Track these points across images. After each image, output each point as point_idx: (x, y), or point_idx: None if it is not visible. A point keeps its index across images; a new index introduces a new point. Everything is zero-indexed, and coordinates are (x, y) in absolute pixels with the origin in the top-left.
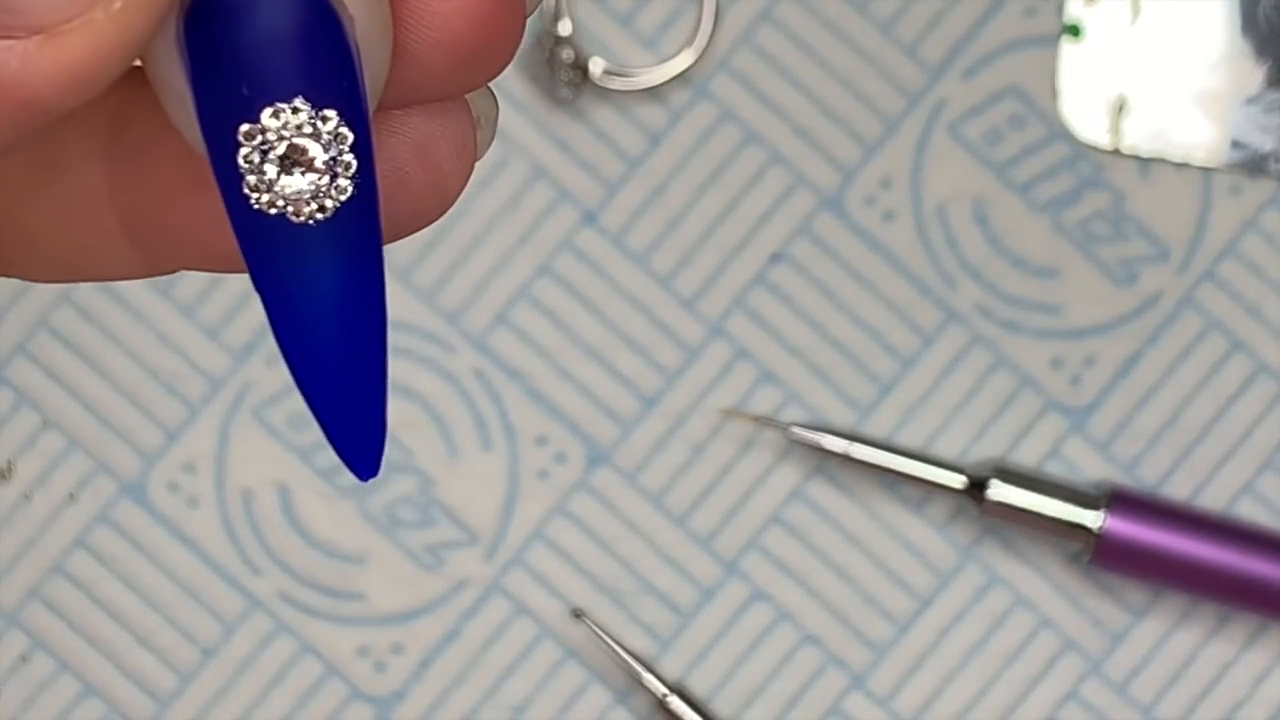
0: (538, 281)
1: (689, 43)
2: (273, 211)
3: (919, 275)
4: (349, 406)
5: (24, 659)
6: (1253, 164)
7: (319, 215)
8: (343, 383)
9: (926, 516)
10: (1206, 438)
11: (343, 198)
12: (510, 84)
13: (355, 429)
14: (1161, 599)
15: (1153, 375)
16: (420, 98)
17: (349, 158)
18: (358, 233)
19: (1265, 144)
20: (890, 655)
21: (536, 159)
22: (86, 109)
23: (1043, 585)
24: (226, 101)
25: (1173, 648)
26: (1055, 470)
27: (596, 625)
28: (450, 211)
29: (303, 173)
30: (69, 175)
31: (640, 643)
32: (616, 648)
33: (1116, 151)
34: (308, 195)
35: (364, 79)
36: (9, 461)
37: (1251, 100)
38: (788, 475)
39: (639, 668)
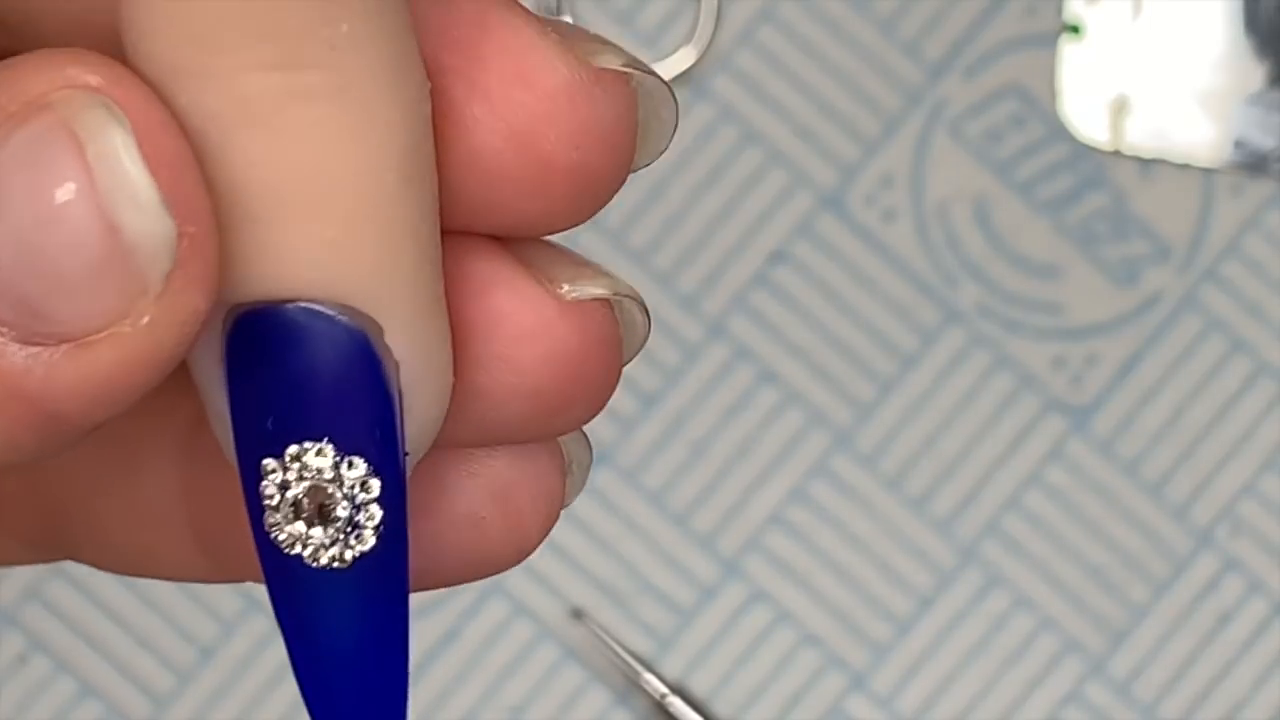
0: None
1: (690, 42)
2: (292, 551)
3: (919, 275)
4: None
5: (22, 659)
6: (1254, 163)
7: (337, 564)
8: None
9: (927, 516)
10: (1208, 437)
11: (364, 549)
12: None
13: None
14: (1164, 598)
15: (1154, 375)
16: (501, 440)
17: (374, 508)
18: (380, 584)
19: (1267, 143)
20: (891, 656)
21: None
22: (165, 408)
23: (1044, 585)
24: (255, 430)
25: (1174, 648)
26: (1056, 469)
27: (596, 625)
28: None
29: (321, 519)
30: (143, 473)
31: (640, 643)
32: (616, 648)
33: (1117, 151)
34: (325, 543)
35: (404, 428)
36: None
37: (1253, 99)
38: (788, 475)
39: (639, 668)
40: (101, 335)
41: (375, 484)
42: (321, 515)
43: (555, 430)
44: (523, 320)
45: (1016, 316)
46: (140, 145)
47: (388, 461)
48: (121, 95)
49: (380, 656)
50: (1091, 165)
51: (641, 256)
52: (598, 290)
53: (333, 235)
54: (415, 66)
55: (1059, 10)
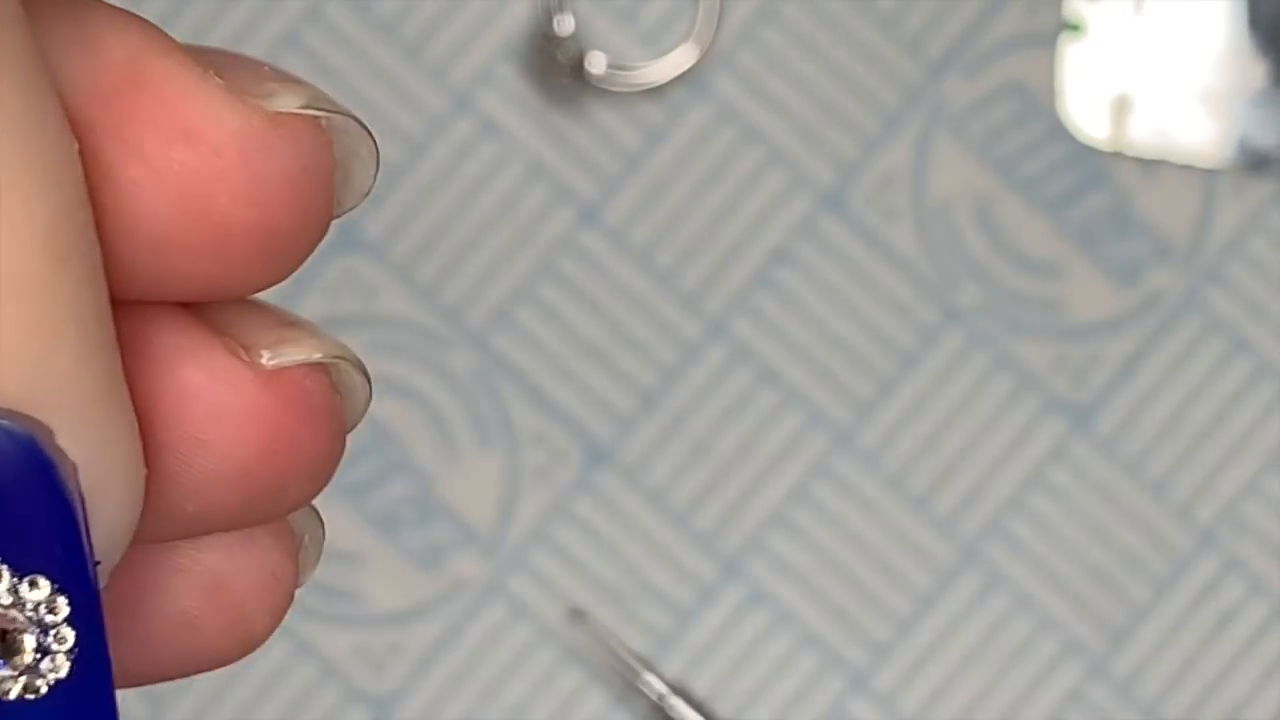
0: (537, 280)
1: (690, 41)
2: None
3: (920, 274)
4: None
5: None
6: (1257, 163)
7: (30, 696)
8: None
9: (927, 516)
10: (1209, 437)
11: (58, 676)
12: (509, 81)
13: None
14: (1165, 598)
15: (1155, 375)
16: (209, 530)
17: (66, 630)
18: (82, 711)
19: (1269, 142)
20: (891, 656)
21: (535, 157)
22: None
23: (1045, 585)
24: None
25: (1176, 648)
26: (1057, 469)
27: (596, 625)
28: (450, 210)
29: (5, 650)
30: None
31: (640, 643)
32: (616, 648)
33: (1119, 150)
34: (13, 674)
35: (90, 537)
36: None
37: (1256, 98)
38: (788, 475)
39: (639, 668)
40: None
41: (63, 603)
42: (5, 645)
43: (270, 515)
44: (217, 397)
45: (1017, 316)
46: None
47: (75, 577)
48: None
49: None
50: (1093, 164)
51: (641, 256)
52: (304, 355)
53: None
54: (57, 125)
55: (1060, 8)
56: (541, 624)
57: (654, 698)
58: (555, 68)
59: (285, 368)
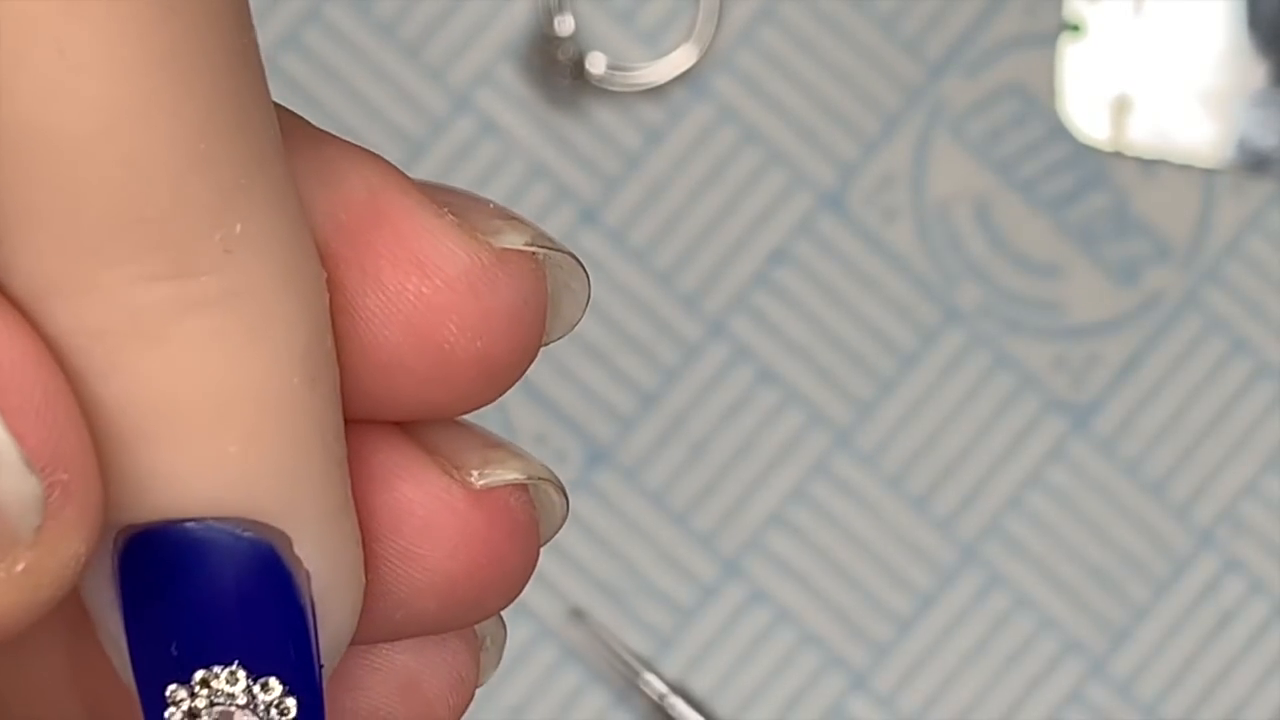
0: None
1: (690, 41)
2: None
3: (920, 274)
4: None
5: None
6: (1256, 163)
7: None
8: None
9: (927, 516)
10: (1209, 437)
11: None
12: (509, 81)
13: None
14: (1164, 598)
15: (1155, 375)
16: (412, 634)
17: None
18: None
19: (1269, 142)
20: (891, 656)
21: (535, 157)
22: None
23: (1044, 585)
24: (156, 655)
25: (1176, 648)
26: (1057, 469)
27: (596, 625)
28: None
29: None
30: (30, 649)
31: (640, 643)
32: (616, 648)
33: (1119, 150)
34: None
35: (318, 642)
36: None
37: (1256, 98)
38: (788, 475)
39: (639, 668)
40: None
41: (291, 704)
42: None
43: (468, 621)
44: (430, 513)
45: (1017, 316)
46: (2, 393)
47: (304, 679)
48: None
49: None
50: (1093, 164)
51: (641, 256)
52: (511, 475)
53: (236, 450)
54: (311, 259)
55: (1060, 9)
56: (541, 624)
57: (654, 698)
58: (555, 68)
59: (494, 487)
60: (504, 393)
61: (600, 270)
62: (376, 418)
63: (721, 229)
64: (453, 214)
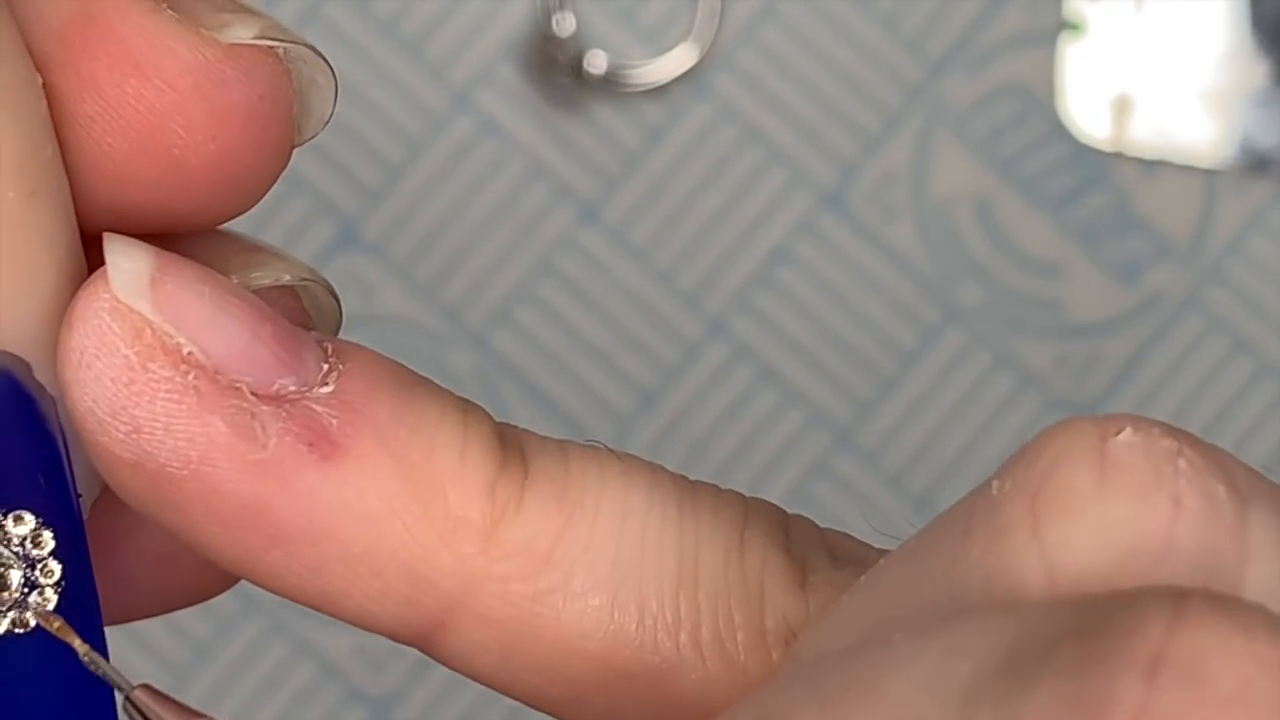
0: (537, 279)
1: (690, 40)
2: None
3: (920, 273)
4: None
5: None
6: (1257, 162)
7: (18, 631)
8: None
9: (928, 515)
10: (1210, 437)
11: (46, 610)
12: (509, 81)
13: None
14: None
15: (1156, 374)
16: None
17: (52, 564)
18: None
19: (1270, 142)
20: None
21: (535, 156)
22: None
23: None
24: None
25: None
26: None
27: None
28: (449, 209)
29: None
30: None
31: None
32: None
33: (1119, 150)
34: (1, 609)
35: (73, 470)
36: None
37: (1256, 98)
38: (788, 474)
39: None
40: None
41: (48, 537)
42: None
43: (236, 195)
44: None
45: (1018, 315)
46: None
47: (60, 510)
48: None
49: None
50: (1093, 164)
51: (641, 256)
52: (272, 279)
53: None
54: (21, 66)
55: (1060, 8)
56: None
57: None
58: (555, 67)
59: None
60: (254, 201)
61: (601, 269)
62: (121, 232)
63: (722, 228)
64: (172, 9)
